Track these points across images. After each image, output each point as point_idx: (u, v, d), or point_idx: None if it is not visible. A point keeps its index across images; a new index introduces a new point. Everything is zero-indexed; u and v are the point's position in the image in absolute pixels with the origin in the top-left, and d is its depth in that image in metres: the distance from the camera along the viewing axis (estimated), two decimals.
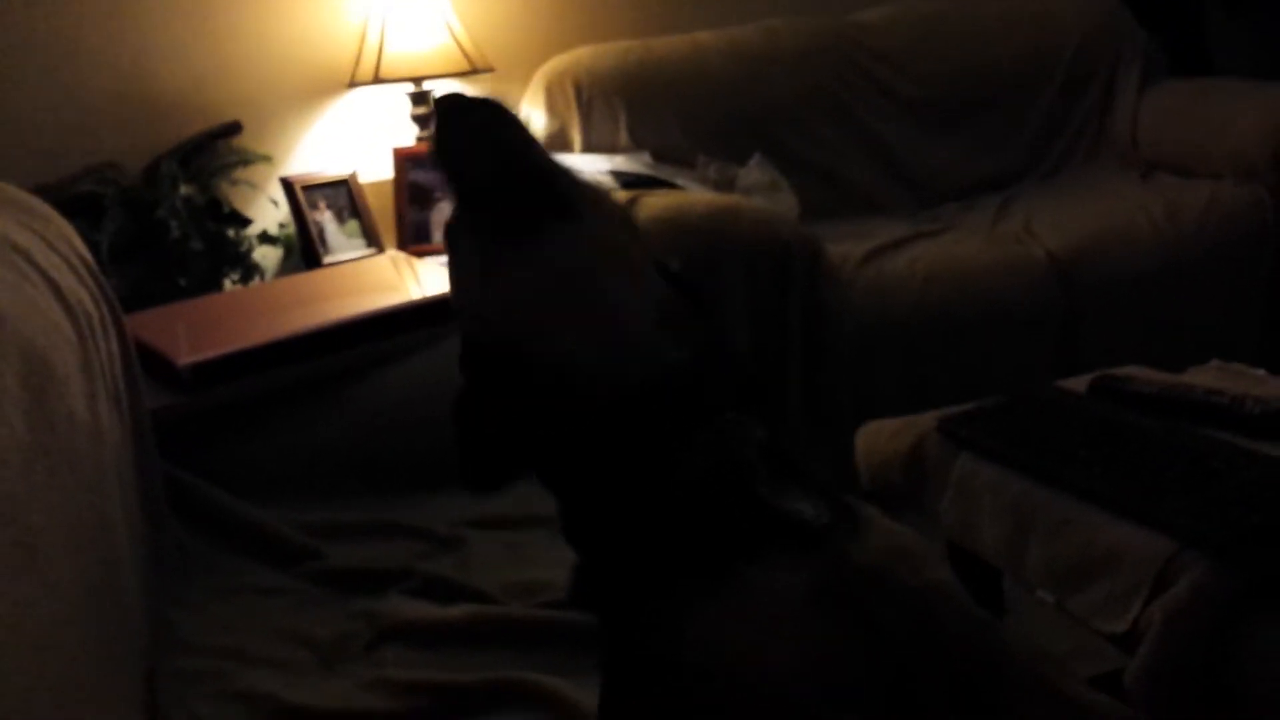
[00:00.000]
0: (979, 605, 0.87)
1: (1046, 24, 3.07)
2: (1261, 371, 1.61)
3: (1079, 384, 1.50)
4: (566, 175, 0.98)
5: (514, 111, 1.00)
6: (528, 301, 0.89)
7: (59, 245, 1.39)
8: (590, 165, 2.60)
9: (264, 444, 1.55)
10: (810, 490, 0.85)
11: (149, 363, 1.52)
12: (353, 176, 2.67)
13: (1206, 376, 1.54)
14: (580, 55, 2.81)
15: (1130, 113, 3.02)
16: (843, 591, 0.80)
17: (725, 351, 0.93)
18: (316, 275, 2.22)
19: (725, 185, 2.59)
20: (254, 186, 2.62)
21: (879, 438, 1.53)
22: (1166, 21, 3.32)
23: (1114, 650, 1.15)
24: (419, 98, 2.72)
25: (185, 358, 1.52)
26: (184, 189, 2.39)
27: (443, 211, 2.72)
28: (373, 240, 2.64)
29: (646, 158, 2.66)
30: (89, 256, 1.47)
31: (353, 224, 2.64)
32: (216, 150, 2.61)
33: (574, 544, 0.92)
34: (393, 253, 2.56)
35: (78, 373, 1.20)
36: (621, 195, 2.39)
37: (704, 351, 0.90)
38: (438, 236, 2.71)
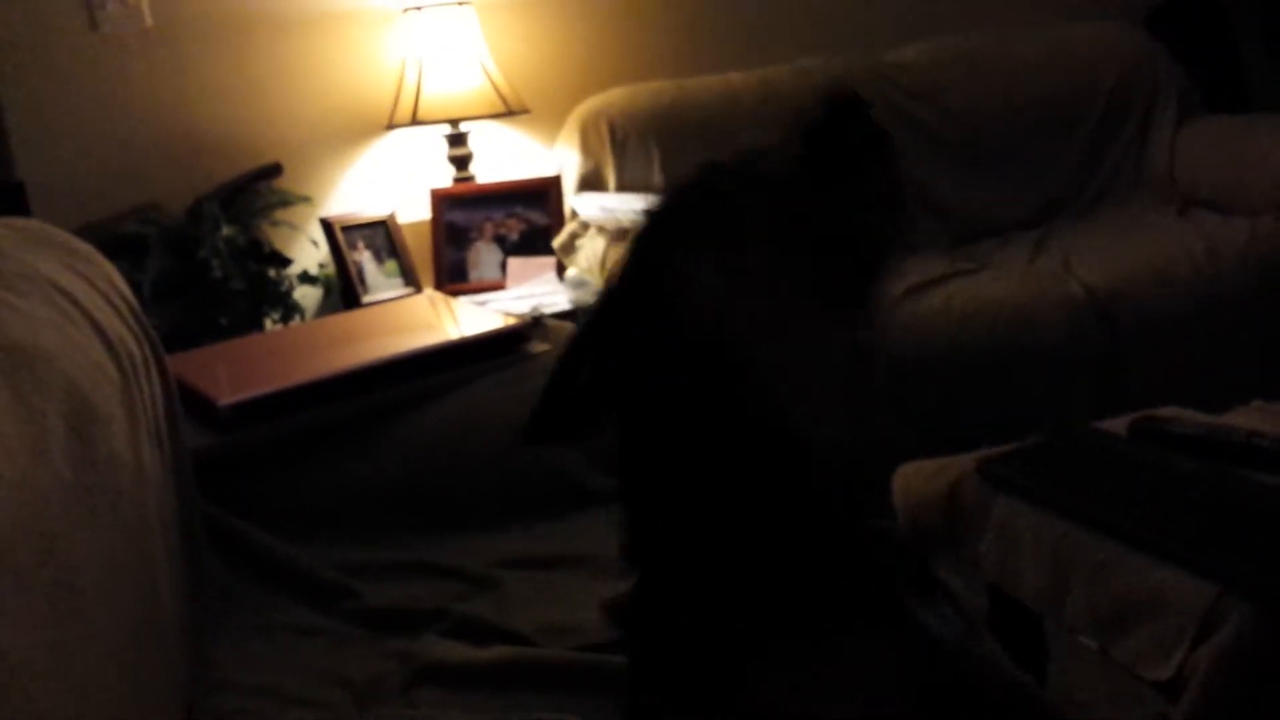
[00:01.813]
0: (1021, 654, 0.87)
1: (1082, 61, 3.06)
2: None
3: (1119, 425, 1.49)
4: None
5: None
6: (808, 347, 0.82)
7: (102, 286, 1.41)
8: (624, 204, 2.61)
9: (302, 483, 1.56)
10: (937, 599, 0.85)
11: (190, 402, 1.54)
12: (391, 217, 2.70)
13: (1249, 417, 1.52)
14: (614, 96, 2.83)
15: (1167, 149, 3.00)
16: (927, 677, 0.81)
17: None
18: (354, 315, 2.24)
19: None
20: (294, 227, 2.66)
21: (916, 479, 1.52)
22: (1202, 57, 3.31)
23: (1157, 697, 1.13)
24: (456, 139, 2.75)
25: (226, 398, 1.54)
26: (226, 230, 2.43)
27: (479, 251, 2.74)
28: (410, 280, 2.67)
29: None
30: (131, 297, 1.49)
31: (391, 264, 2.66)
32: (258, 191, 2.64)
33: (650, 568, 0.87)
34: (430, 292, 2.58)
35: (120, 412, 1.21)
36: None
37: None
38: (474, 275, 2.73)
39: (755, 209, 0.86)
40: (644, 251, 0.88)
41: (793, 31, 3.07)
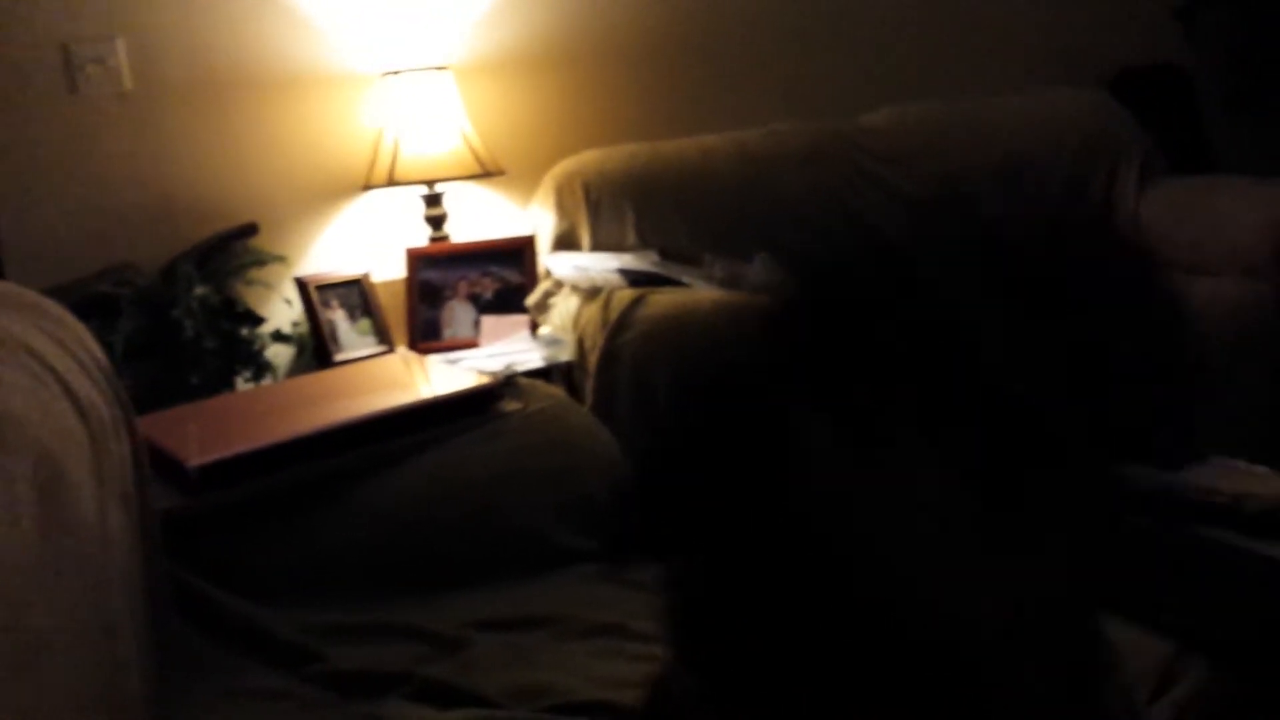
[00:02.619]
0: None
1: (1046, 125, 3.13)
2: (1263, 469, 1.62)
3: None
4: None
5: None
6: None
7: (73, 348, 1.42)
8: (599, 264, 2.64)
9: (272, 544, 1.56)
10: None
11: (159, 463, 1.54)
12: (365, 276, 2.72)
13: (1208, 475, 1.55)
14: (589, 157, 2.87)
15: (1131, 211, 3.05)
16: None
17: None
18: (326, 374, 2.25)
19: (731, 283, 2.63)
20: (268, 286, 2.67)
21: None
22: (1166, 121, 3.38)
23: None
24: (432, 199, 2.78)
25: (195, 459, 1.54)
26: (199, 289, 2.44)
27: (453, 310, 2.77)
28: (384, 338, 2.68)
29: (654, 256, 2.70)
30: (103, 358, 1.49)
31: (365, 322, 2.68)
32: (233, 251, 2.66)
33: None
34: (403, 351, 2.59)
35: (89, 476, 1.22)
36: (628, 293, 2.43)
37: None
38: (448, 333, 2.75)
39: (914, 341, 0.59)
40: (746, 372, 0.66)
41: (765, 96, 3.13)
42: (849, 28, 3.24)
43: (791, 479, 0.60)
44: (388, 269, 2.81)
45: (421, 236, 2.81)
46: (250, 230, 2.69)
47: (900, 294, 0.61)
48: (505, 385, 1.83)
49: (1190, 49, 3.62)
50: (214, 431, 1.69)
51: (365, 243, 2.85)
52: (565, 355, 2.54)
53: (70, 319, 1.49)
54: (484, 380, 1.83)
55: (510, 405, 1.78)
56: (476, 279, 2.78)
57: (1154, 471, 1.52)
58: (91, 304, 2.32)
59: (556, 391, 1.98)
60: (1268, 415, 2.53)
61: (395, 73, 2.72)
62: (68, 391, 1.29)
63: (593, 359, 2.43)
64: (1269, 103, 3.62)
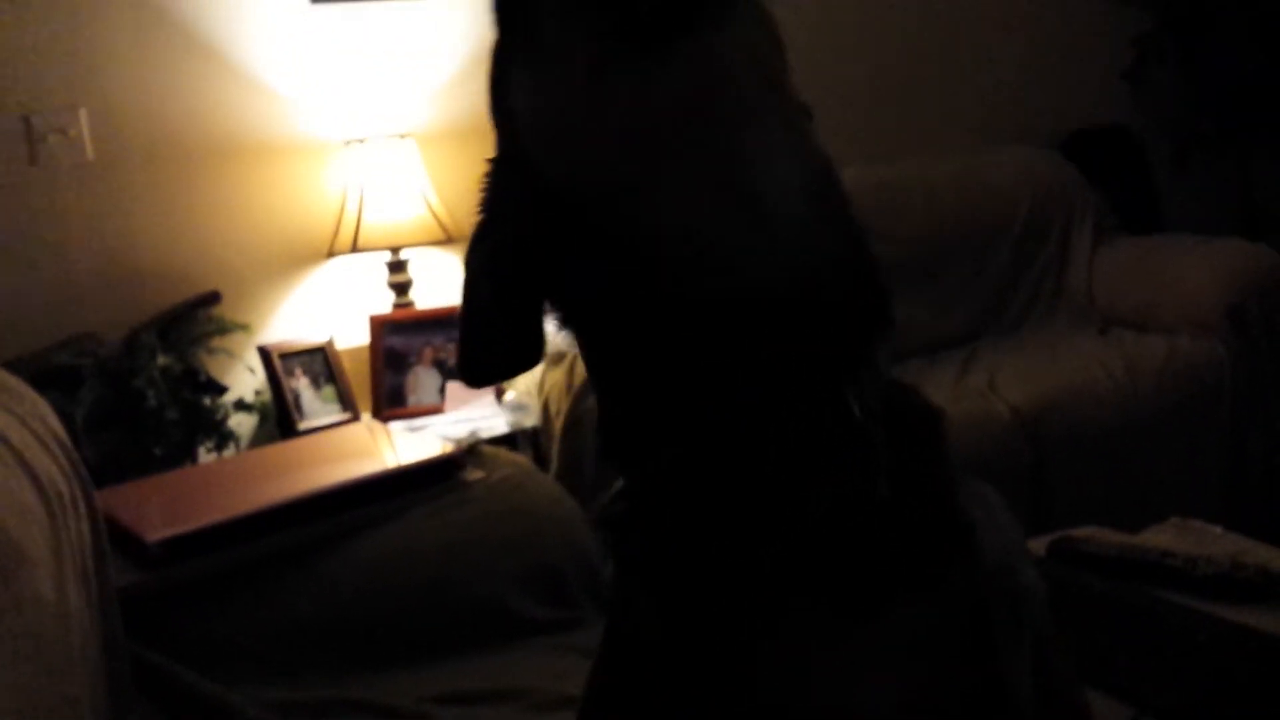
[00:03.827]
0: None
1: (1000, 185, 3.19)
2: (1219, 529, 1.64)
3: (1039, 545, 1.53)
4: None
5: None
6: (647, 139, 0.64)
7: (32, 423, 1.41)
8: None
9: (232, 619, 1.55)
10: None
11: (118, 538, 1.53)
12: (329, 343, 2.72)
13: (1164, 536, 1.57)
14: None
15: (1085, 269, 3.12)
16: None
17: (869, 260, 0.71)
18: (287, 446, 2.24)
19: None
20: (231, 355, 2.66)
21: None
22: (1116, 181, 3.46)
23: None
24: (396, 266, 2.79)
25: (154, 534, 1.53)
26: (161, 359, 2.43)
27: (418, 376, 2.77)
28: (348, 405, 2.67)
29: None
30: (62, 433, 1.48)
31: (329, 389, 2.67)
32: (195, 320, 2.65)
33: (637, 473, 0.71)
34: (367, 420, 2.59)
35: (48, 554, 1.21)
36: None
37: (854, 254, 0.69)
38: (413, 399, 2.75)
39: None
40: (489, 92, 0.75)
41: None
42: (809, 90, 3.29)
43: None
44: (352, 335, 2.81)
45: (386, 303, 2.82)
46: (213, 299, 2.69)
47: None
48: (468, 454, 1.83)
49: (1138, 110, 3.71)
50: (174, 505, 1.68)
51: (329, 309, 2.85)
52: (531, 421, 2.55)
53: (29, 393, 1.49)
54: (447, 449, 1.83)
55: (473, 474, 1.78)
56: (441, 345, 2.79)
57: (1113, 534, 1.54)
58: (52, 375, 2.30)
59: (520, 459, 1.98)
60: (1223, 473, 2.57)
61: (359, 140, 2.75)
62: (27, 469, 1.28)
63: (558, 424, 2.44)
64: (1215, 162, 3.72)
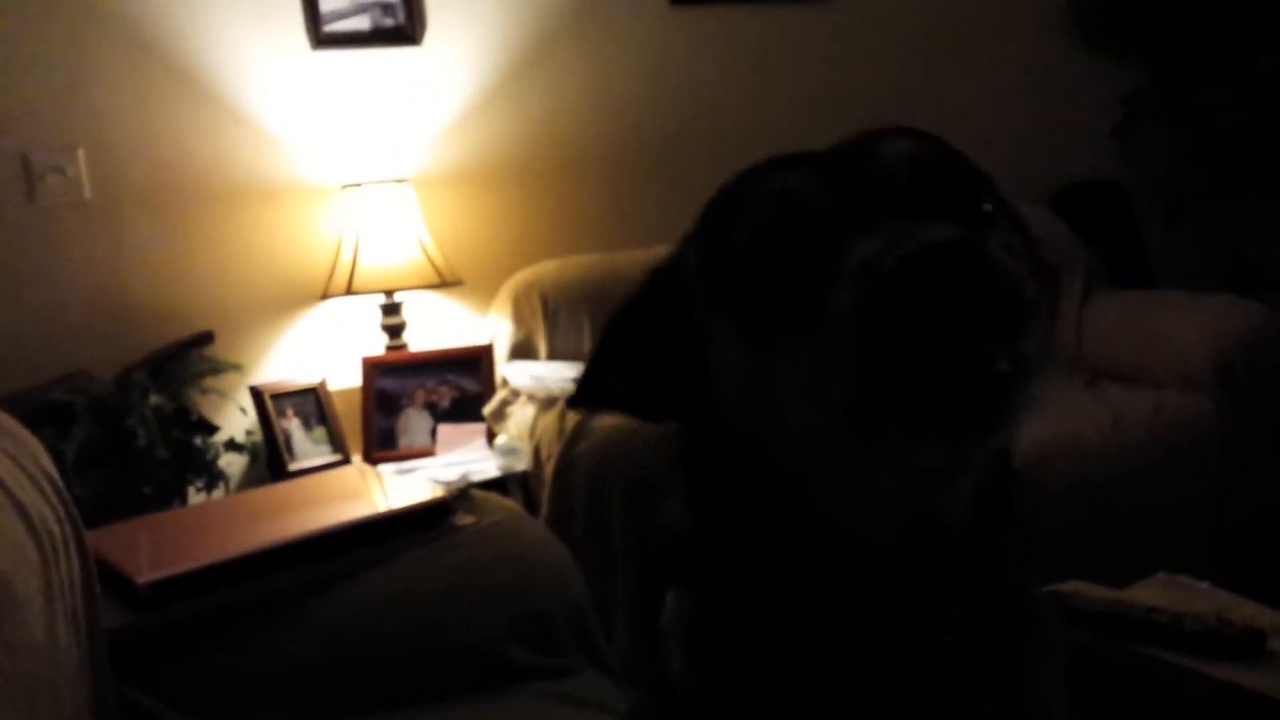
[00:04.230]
0: None
1: None
2: (1205, 585, 1.65)
3: None
4: None
5: None
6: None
7: (25, 462, 1.41)
8: (555, 373, 2.67)
9: (223, 662, 1.54)
10: None
11: (108, 579, 1.52)
12: (322, 384, 2.73)
13: (1151, 591, 1.58)
14: (546, 268, 2.92)
15: (1075, 323, 3.14)
16: None
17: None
18: (277, 488, 2.25)
19: None
20: (223, 395, 2.67)
21: None
22: (1107, 236, 3.49)
23: None
24: (390, 308, 2.81)
25: (144, 575, 1.53)
26: (154, 398, 2.43)
27: (409, 418, 2.77)
28: (339, 447, 2.68)
29: None
30: (54, 473, 1.49)
31: (320, 431, 2.68)
32: (188, 359, 2.66)
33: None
34: (358, 463, 2.60)
35: (39, 596, 1.21)
36: None
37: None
38: (404, 442, 2.76)
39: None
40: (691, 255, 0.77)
41: None
42: (799, 142, 3.33)
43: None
44: (344, 377, 2.82)
45: (379, 344, 2.83)
46: (206, 338, 2.70)
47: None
48: (458, 499, 1.83)
49: (1128, 166, 3.76)
50: (164, 547, 1.67)
51: (322, 351, 2.86)
52: (521, 465, 2.55)
53: (23, 432, 1.49)
54: (437, 494, 1.83)
55: (464, 519, 1.78)
56: (433, 387, 2.80)
57: (1100, 589, 1.54)
58: (45, 412, 2.31)
59: (511, 504, 1.98)
60: (1210, 527, 2.58)
61: (356, 184, 2.77)
62: (19, 509, 1.28)
63: (549, 468, 2.44)
64: (1203, 218, 3.76)
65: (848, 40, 3.42)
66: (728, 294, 0.71)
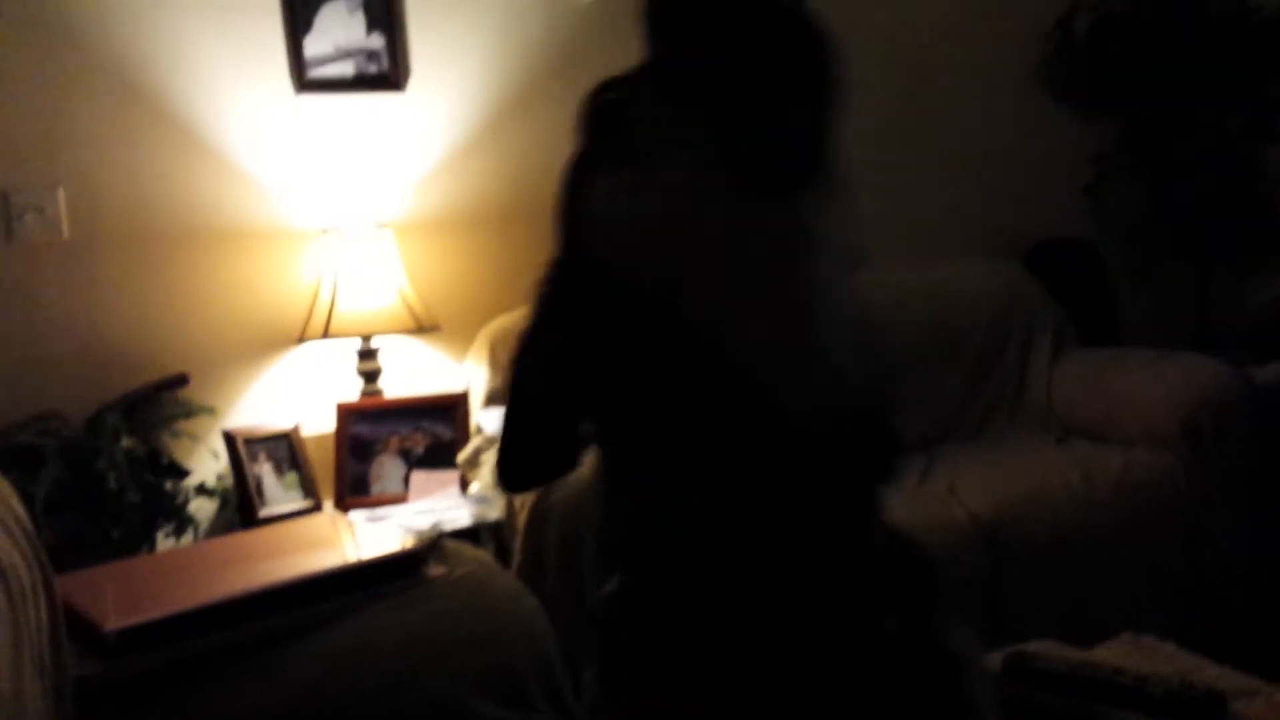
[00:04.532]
0: None
1: (962, 295, 3.26)
2: (1171, 646, 1.67)
3: (994, 660, 1.54)
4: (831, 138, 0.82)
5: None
6: (737, 262, 0.75)
7: None
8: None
9: (189, 711, 1.53)
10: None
11: (75, 626, 1.52)
12: (295, 429, 2.72)
13: (1117, 651, 1.59)
14: (523, 315, 2.92)
15: (1044, 379, 3.18)
16: None
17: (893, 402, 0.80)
18: (250, 536, 2.24)
19: None
20: (195, 438, 2.66)
21: None
22: (1076, 294, 3.54)
23: None
24: (366, 353, 2.81)
25: (112, 622, 1.52)
26: (125, 441, 2.42)
27: (383, 464, 2.77)
28: (310, 492, 2.67)
29: None
30: (25, 517, 1.48)
31: (292, 476, 2.67)
32: (161, 401, 2.65)
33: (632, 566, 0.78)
34: (329, 511, 2.59)
35: (7, 645, 1.20)
36: None
37: (889, 393, 0.79)
38: (376, 488, 2.75)
39: (654, 113, 0.78)
40: (562, 196, 0.83)
41: None
42: None
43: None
44: (318, 422, 2.82)
45: (354, 390, 2.83)
46: (180, 381, 2.69)
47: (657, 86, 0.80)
48: (430, 549, 1.83)
49: (1098, 225, 3.82)
50: (132, 594, 1.67)
51: (297, 395, 2.86)
52: (494, 513, 2.55)
53: None
54: (408, 544, 1.83)
55: (435, 570, 1.78)
56: (408, 434, 2.80)
57: (1066, 649, 1.56)
58: (14, 453, 2.29)
59: (483, 555, 1.98)
60: (1177, 585, 2.60)
61: (336, 229, 2.78)
62: None
63: (522, 518, 2.44)
64: (1172, 277, 3.82)
65: None
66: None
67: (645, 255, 0.77)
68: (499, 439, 0.82)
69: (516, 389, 0.82)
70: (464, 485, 2.71)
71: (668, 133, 0.75)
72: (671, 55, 0.80)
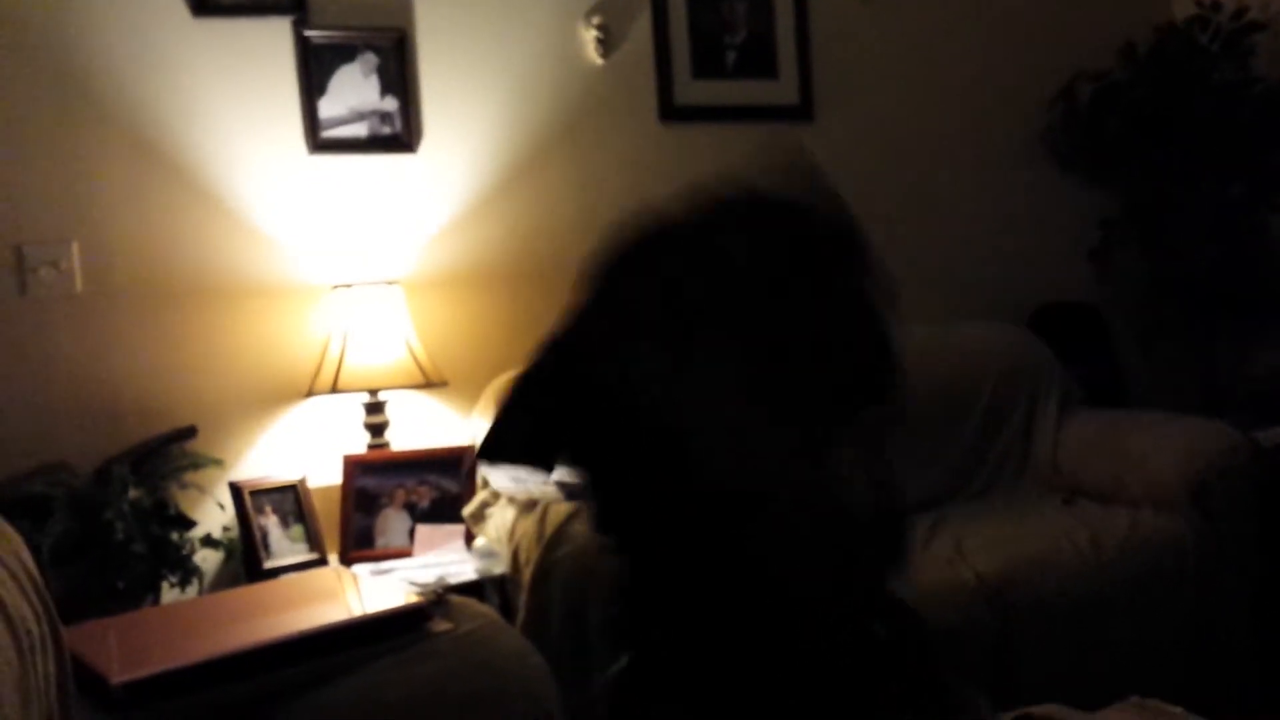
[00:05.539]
0: None
1: (969, 357, 3.27)
2: (1179, 709, 1.65)
3: None
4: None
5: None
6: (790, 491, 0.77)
7: (6, 559, 1.41)
8: (535, 476, 2.68)
9: None
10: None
11: (81, 678, 1.51)
12: (301, 482, 2.73)
13: (1124, 715, 1.58)
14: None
15: (1051, 440, 3.18)
16: None
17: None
18: (256, 589, 2.24)
19: None
20: (202, 490, 2.67)
21: None
22: (1082, 355, 3.55)
23: None
24: (374, 407, 2.82)
25: (119, 675, 1.52)
26: (133, 492, 2.43)
27: (388, 518, 2.77)
28: (316, 545, 2.67)
29: None
30: (34, 568, 1.48)
31: (297, 528, 2.67)
32: (169, 453, 2.66)
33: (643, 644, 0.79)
34: (334, 564, 2.58)
35: (15, 697, 1.20)
36: (565, 507, 2.46)
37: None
38: (381, 541, 2.75)
39: (709, 298, 0.74)
40: (584, 329, 0.81)
41: None
42: None
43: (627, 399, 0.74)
44: (325, 474, 2.82)
45: (361, 443, 2.84)
46: (189, 433, 2.70)
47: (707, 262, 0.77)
48: (435, 605, 1.83)
49: (1104, 288, 3.84)
50: (139, 647, 1.67)
51: (304, 448, 2.87)
52: (500, 568, 2.55)
53: (6, 527, 1.49)
54: (414, 600, 1.83)
55: (440, 625, 1.78)
56: (414, 487, 2.80)
57: (1073, 712, 1.55)
58: (23, 503, 2.30)
59: (488, 611, 1.98)
60: (1184, 650, 2.58)
61: (347, 285, 2.81)
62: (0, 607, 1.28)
63: (527, 573, 2.44)
64: (1178, 339, 3.84)
65: (830, 161, 3.46)
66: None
67: (683, 437, 0.77)
68: (489, 436, 0.84)
69: (495, 426, 0.84)
70: (469, 539, 2.71)
71: (722, 328, 0.75)
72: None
